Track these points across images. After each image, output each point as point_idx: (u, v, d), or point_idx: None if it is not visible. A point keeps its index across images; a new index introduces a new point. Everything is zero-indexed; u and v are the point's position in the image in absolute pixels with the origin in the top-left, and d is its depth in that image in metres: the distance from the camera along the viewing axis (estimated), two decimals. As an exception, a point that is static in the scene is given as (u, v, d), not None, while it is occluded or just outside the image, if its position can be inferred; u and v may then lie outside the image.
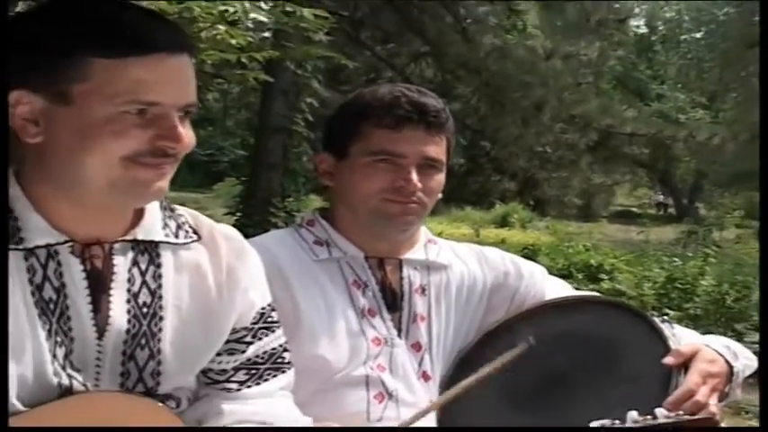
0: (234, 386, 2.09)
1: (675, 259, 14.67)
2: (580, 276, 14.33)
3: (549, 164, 30.19)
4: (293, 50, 10.76)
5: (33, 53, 1.83)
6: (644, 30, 42.97)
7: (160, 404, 1.93)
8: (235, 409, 2.07)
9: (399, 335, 2.56)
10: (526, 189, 31.98)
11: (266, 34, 10.57)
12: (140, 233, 1.96)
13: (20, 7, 6.26)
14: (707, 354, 2.40)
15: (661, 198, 41.46)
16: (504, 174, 28.87)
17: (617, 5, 32.31)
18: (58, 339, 1.87)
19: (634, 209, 39.98)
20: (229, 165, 25.39)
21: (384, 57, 21.35)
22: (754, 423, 7.76)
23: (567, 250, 17.11)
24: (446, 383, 2.56)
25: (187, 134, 1.86)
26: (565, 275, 10.28)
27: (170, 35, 1.86)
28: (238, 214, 18.95)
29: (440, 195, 2.62)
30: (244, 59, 8.73)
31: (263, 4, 9.99)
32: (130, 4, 2.04)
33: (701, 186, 35.78)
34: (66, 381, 1.86)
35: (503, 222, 27.29)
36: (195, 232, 2.05)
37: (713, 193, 32.10)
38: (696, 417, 2.01)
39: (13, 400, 1.82)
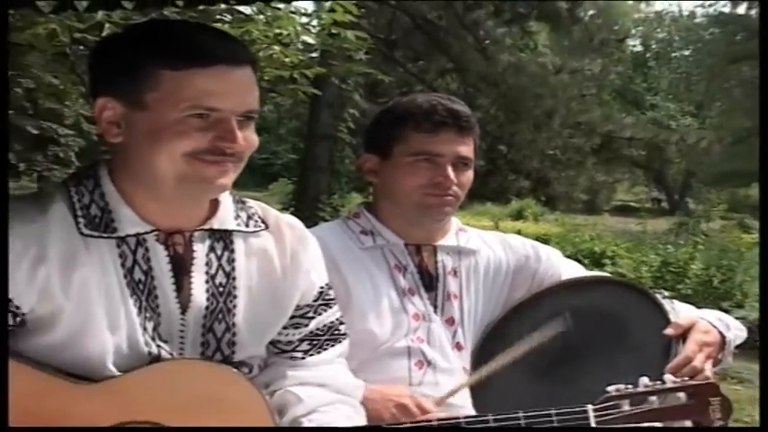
0: (299, 355, 2.11)
1: (669, 247, 14.54)
2: (586, 262, 14.17)
3: (559, 164, 29.98)
4: (337, 68, 10.70)
5: (116, 67, 1.87)
6: (639, 48, 42.61)
7: (235, 370, 1.95)
8: (298, 375, 2.09)
9: (435, 311, 2.57)
10: (538, 187, 31.72)
11: (314, 54, 10.55)
12: (216, 223, 1.98)
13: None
14: (702, 325, 2.42)
15: (656, 194, 41.14)
16: (519, 174, 28.66)
17: (616, 27, 32.12)
18: (147, 315, 1.91)
19: (632, 204, 39.58)
20: (282, 167, 25.24)
21: (415, 73, 21.27)
22: (738, 388, 7.72)
23: (575, 239, 16.97)
24: (476, 353, 2.57)
25: (245, 136, 1.88)
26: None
27: (229, 49, 1.88)
28: (290, 210, 18.89)
29: None
30: (295, 75, 8.72)
31: (311, 28, 10.04)
32: (195, 23, 2.09)
33: (691, 184, 35.45)
34: (155, 350, 1.90)
35: (518, 216, 27.13)
36: (263, 222, 2.07)
37: (701, 189, 31.80)
38: (699, 382, 2.01)
39: (110, 366, 1.86)
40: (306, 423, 1.98)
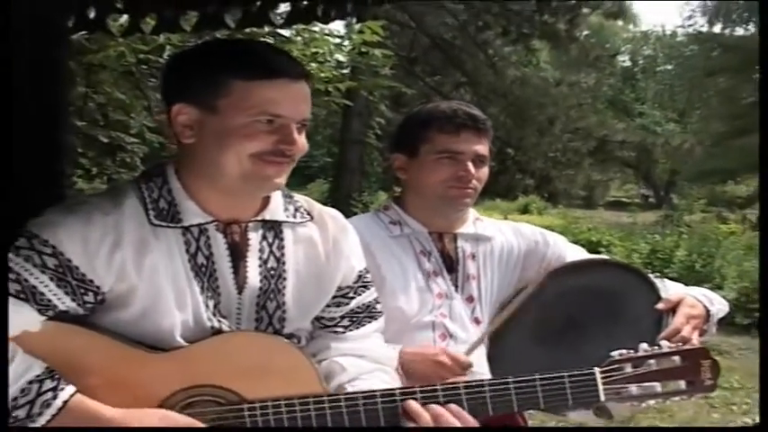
0: (340, 330, 2.10)
1: (656, 236, 14.50)
2: (584, 250, 14.27)
3: (559, 165, 30.05)
4: (366, 82, 10.76)
5: (193, 76, 1.88)
6: (628, 63, 42.46)
7: (286, 340, 1.96)
8: (341, 346, 2.09)
9: (456, 290, 2.56)
10: (542, 184, 31.63)
11: (346, 70, 10.57)
12: (268, 215, 1.98)
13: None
14: (689, 300, 2.42)
15: (644, 191, 40.98)
16: (525, 173, 28.60)
17: (608, 45, 32.04)
18: (209, 294, 1.91)
19: (624, 199, 39.49)
20: (319, 169, 25.23)
21: (433, 86, 21.31)
22: (717, 359, 7.68)
23: (574, 230, 16.88)
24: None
25: (301, 140, 1.89)
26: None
27: (291, 65, 1.90)
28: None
29: None
30: (329, 89, 8.77)
31: (343, 48, 10.06)
32: (264, 42, 2.11)
33: (675, 181, 35.25)
34: (216, 324, 1.90)
35: (524, 210, 26.98)
36: (308, 213, 2.06)
37: (683, 186, 31.58)
38: (691, 347, 2.00)
39: (178, 338, 1.86)
40: (349, 388, 1.97)
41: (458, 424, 1.88)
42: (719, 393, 7.02)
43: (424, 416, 1.88)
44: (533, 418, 3.00)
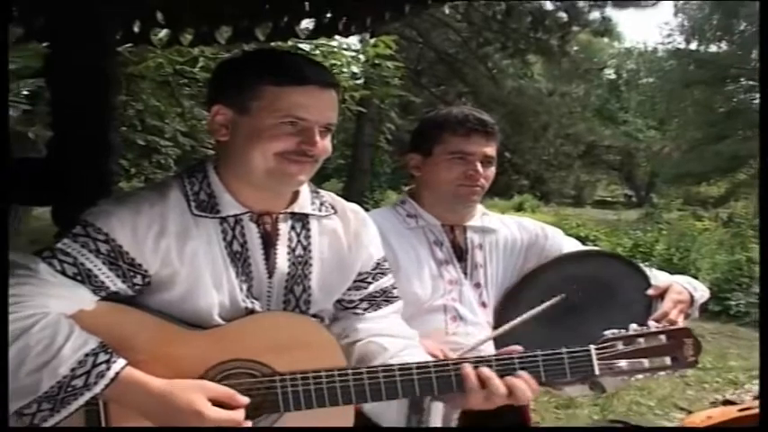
0: (360, 311, 2.10)
1: (638, 232, 14.54)
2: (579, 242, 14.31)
3: (552, 167, 30.13)
4: (377, 91, 10.75)
5: (231, 81, 1.89)
6: (613, 76, 42.40)
7: (313, 319, 1.97)
8: (360, 326, 2.08)
9: (465, 277, 2.56)
10: (535, 185, 31.63)
11: (359, 80, 10.58)
12: (296, 208, 1.99)
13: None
14: (676, 287, 2.43)
15: (627, 191, 40.96)
16: (520, 174, 28.56)
17: (595, 59, 31.99)
18: (243, 278, 1.91)
19: (609, 198, 39.51)
20: (333, 170, 25.19)
21: (438, 95, 21.30)
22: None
23: (564, 227, 16.65)
24: (497, 310, 2.57)
25: (323, 144, 1.89)
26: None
27: (320, 74, 1.89)
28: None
29: None
30: (345, 97, 8.79)
31: (358, 60, 10.07)
32: (297, 53, 2.10)
33: (655, 182, 35.15)
34: (249, 305, 1.91)
35: (519, 208, 26.90)
36: (333, 207, 2.07)
37: (663, 187, 31.55)
38: (676, 327, 2.00)
39: (216, 317, 1.87)
40: (393, 361, 1.95)
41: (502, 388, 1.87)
42: (693, 373, 7.01)
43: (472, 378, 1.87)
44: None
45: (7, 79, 1.68)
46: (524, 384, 1.88)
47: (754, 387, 6.58)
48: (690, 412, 5.93)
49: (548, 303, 2.39)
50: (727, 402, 6.06)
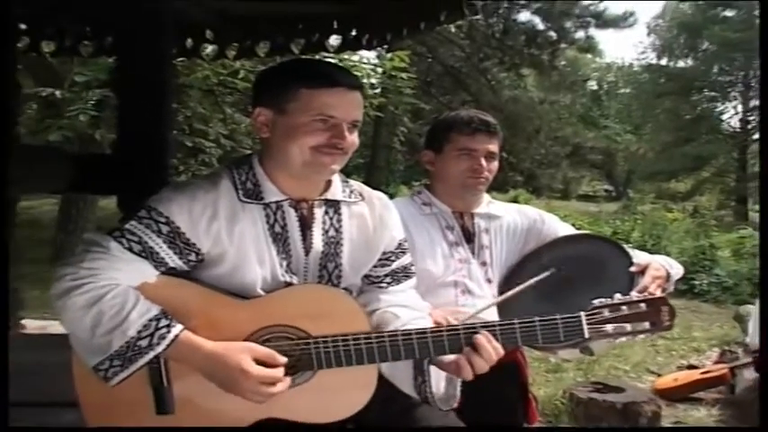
0: (384, 285, 2.08)
1: (617, 222, 14.48)
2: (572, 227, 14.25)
3: (543, 165, 29.97)
4: (392, 99, 10.75)
5: (271, 86, 1.89)
6: (596, 87, 42.17)
7: (343, 291, 1.97)
8: (388, 298, 2.07)
9: (473, 256, 2.55)
10: (528, 180, 31.39)
11: (377, 90, 10.57)
12: (329, 195, 1.98)
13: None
14: (655, 265, 2.43)
15: (607, 186, 40.81)
16: (515, 171, 28.29)
17: (580, 73, 31.92)
18: (283, 256, 1.91)
19: (591, 193, 39.33)
20: (353, 168, 25.18)
21: (445, 103, 21.13)
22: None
23: (552, 217, 16.88)
24: (501, 285, 2.56)
25: (351, 137, 1.89)
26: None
27: (347, 78, 1.89)
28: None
29: None
30: (365, 104, 8.76)
31: (376, 72, 10.05)
32: (328, 61, 2.09)
33: (631, 179, 35.07)
34: (288, 279, 1.91)
35: (513, 201, 26.62)
36: (360, 195, 2.06)
37: (638, 183, 31.48)
38: (654, 296, 1.99)
39: (259, 290, 1.87)
40: (402, 327, 1.95)
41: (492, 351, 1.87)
42: (662, 342, 7.02)
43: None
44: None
45: (13, 82, 1.65)
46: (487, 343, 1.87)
47: (714, 354, 6.56)
48: (659, 375, 5.95)
49: (540, 276, 2.38)
50: (691, 367, 6.08)
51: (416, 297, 2.17)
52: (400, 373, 2.02)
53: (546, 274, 2.41)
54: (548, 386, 5.35)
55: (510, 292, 2.37)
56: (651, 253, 2.62)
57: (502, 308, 2.36)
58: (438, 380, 2.03)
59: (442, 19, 3.32)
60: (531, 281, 2.38)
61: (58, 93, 8.33)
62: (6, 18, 1.77)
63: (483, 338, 1.87)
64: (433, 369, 2.00)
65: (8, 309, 1.71)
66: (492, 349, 1.87)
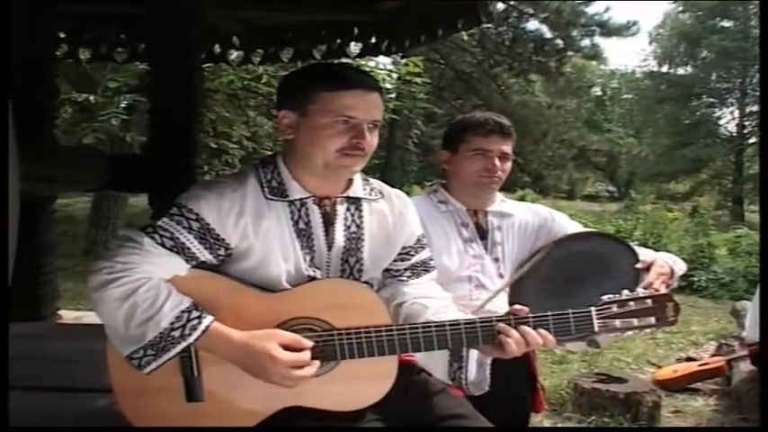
0: (404, 279, 2.06)
1: (619, 221, 14.36)
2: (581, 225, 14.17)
3: (549, 166, 29.88)
4: (407, 103, 10.74)
5: (293, 90, 1.88)
6: (600, 92, 42.10)
7: (364, 284, 1.95)
8: (406, 290, 2.04)
9: (487, 253, 2.52)
10: (536, 181, 31.30)
11: (392, 94, 10.57)
12: (351, 193, 1.96)
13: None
14: (660, 262, 2.39)
15: (610, 187, 40.69)
16: (523, 172, 28.22)
17: (585, 79, 31.86)
18: (306, 251, 1.89)
19: (594, 193, 39.23)
20: (369, 168, 25.06)
21: (456, 107, 21.21)
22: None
23: (558, 216, 16.81)
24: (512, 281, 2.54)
25: (371, 138, 1.88)
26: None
27: (365, 80, 1.87)
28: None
29: None
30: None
31: (391, 77, 10.03)
32: (346, 64, 2.08)
33: (633, 180, 34.91)
34: (311, 273, 1.88)
35: (521, 201, 26.65)
36: (381, 193, 2.04)
37: (639, 184, 31.33)
38: (659, 293, 1.97)
39: (284, 283, 1.85)
40: (434, 318, 1.93)
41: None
42: (662, 335, 6.98)
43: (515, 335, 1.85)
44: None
45: (8, 84, 1.62)
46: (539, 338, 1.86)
47: (711, 347, 6.52)
48: (659, 367, 5.92)
49: (537, 257, 2.39)
50: (689, 359, 6.05)
51: (438, 288, 2.14)
52: (435, 360, 2.00)
53: (540, 255, 2.43)
54: (553, 377, 5.31)
55: (515, 275, 2.39)
56: (652, 251, 2.59)
57: (513, 302, 2.34)
58: (472, 366, 2.01)
59: (459, 26, 3.30)
60: (530, 263, 2.39)
61: (92, 98, 8.39)
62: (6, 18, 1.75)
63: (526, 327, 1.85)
64: (471, 355, 1.97)
65: (8, 308, 1.68)
66: (537, 335, 1.85)
